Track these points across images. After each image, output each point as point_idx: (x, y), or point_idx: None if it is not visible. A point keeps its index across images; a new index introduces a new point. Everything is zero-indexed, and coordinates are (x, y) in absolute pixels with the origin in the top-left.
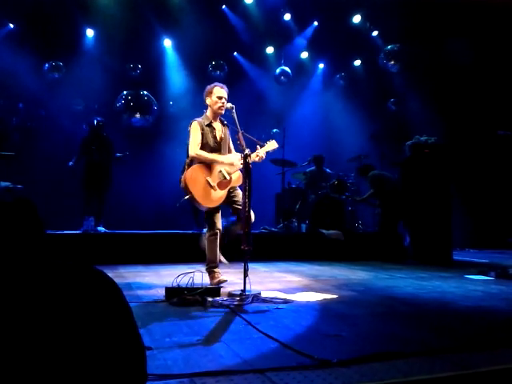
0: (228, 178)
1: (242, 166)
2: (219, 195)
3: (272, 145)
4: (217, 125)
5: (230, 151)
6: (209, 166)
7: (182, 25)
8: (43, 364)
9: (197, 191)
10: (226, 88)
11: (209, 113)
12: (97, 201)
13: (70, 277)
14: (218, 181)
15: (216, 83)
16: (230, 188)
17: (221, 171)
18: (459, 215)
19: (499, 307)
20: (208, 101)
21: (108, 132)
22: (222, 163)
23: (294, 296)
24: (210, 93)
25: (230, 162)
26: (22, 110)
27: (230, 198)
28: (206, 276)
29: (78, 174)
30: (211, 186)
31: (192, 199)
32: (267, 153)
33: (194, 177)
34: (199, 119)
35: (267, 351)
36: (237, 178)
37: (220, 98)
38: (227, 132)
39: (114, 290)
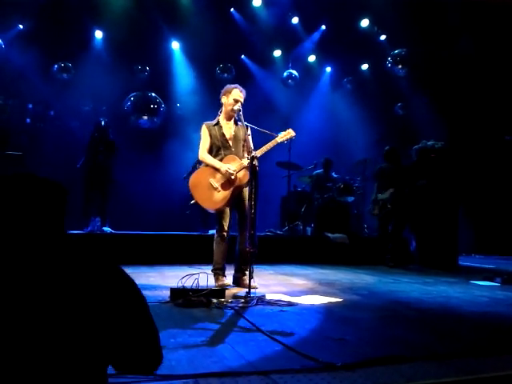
0: (233, 177)
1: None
2: (223, 196)
3: (288, 133)
4: (227, 124)
5: (249, 151)
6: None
7: (190, 27)
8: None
9: (199, 194)
10: (245, 93)
11: (222, 112)
12: (100, 201)
13: (93, 270)
14: (222, 181)
15: (237, 85)
16: (237, 188)
17: (226, 171)
18: (465, 220)
19: (505, 313)
20: (224, 99)
21: (115, 133)
22: (220, 168)
23: (299, 299)
24: (229, 93)
25: (233, 164)
26: (31, 110)
27: (237, 201)
28: (211, 277)
29: (82, 173)
30: (214, 188)
31: (197, 202)
32: (284, 143)
33: (196, 180)
34: (209, 122)
35: (271, 353)
36: (242, 175)
37: (236, 101)
38: (242, 132)
39: (130, 284)
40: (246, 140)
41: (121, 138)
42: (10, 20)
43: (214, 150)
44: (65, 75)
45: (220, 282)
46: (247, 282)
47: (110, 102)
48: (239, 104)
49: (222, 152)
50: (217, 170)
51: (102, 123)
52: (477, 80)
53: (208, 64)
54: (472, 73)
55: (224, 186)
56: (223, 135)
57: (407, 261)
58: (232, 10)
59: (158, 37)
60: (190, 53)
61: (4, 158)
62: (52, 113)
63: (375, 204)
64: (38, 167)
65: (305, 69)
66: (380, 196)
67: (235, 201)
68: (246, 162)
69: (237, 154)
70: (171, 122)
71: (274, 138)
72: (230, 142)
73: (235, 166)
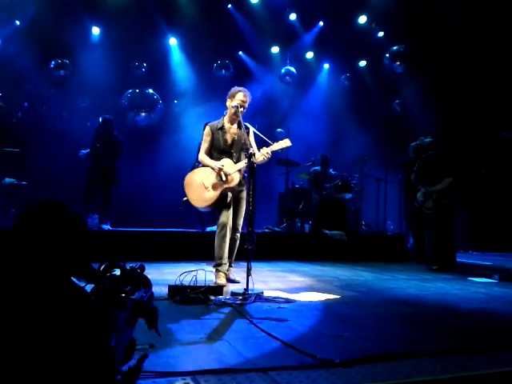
0: (224, 178)
1: (240, 166)
2: (211, 195)
3: (284, 143)
4: (231, 127)
5: (247, 149)
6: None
7: (187, 23)
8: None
9: (190, 193)
10: (249, 94)
11: (227, 115)
12: (102, 200)
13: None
14: (214, 182)
15: (242, 89)
16: (227, 190)
17: (219, 168)
18: (462, 217)
19: (502, 310)
20: (228, 103)
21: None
22: (214, 167)
23: (297, 296)
24: (233, 96)
25: (228, 166)
26: (28, 107)
27: (235, 198)
28: (209, 274)
29: (81, 170)
30: (205, 187)
31: (188, 200)
32: (278, 151)
33: (190, 180)
34: (213, 123)
35: (270, 350)
36: (233, 178)
37: (240, 103)
38: (243, 135)
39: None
40: (245, 140)
41: (118, 134)
42: (7, 16)
43: (214, 154)
44: (62, 72)
45: (217, 280)
46: (230, 275)
47: (107, 99)
48: (241, 107)
49: (224, 157)
50: (212, 169)
51: (106, 121)
52: (474, 77)
53: (205, 60)
54: (470, 70)
55: (214, 187)
56: (226, 141)
57: (405, 257)
58: (229, 6)
59: (156, 33)
60: (188, 49)
61: (1, 155)
62: (49, 109)
63: (428, 197)
64: (34, 164)
65: (302, 65)
66: (436, 187)
67: (234, 199)
68: (241, 164)
69: (238, 159)
70: (168, 119)
71: (269, 144)
72: (232, 148)
73: (230, 167)
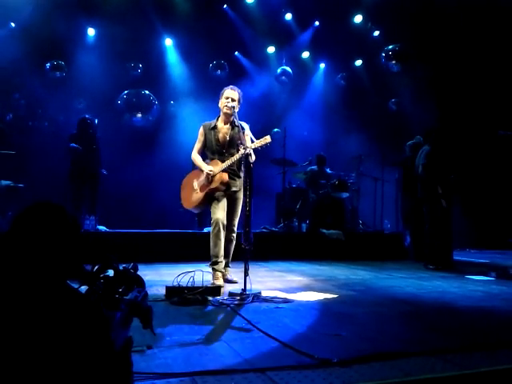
0: (209, 180)
1: (224, 166)
2: (198, 196)
3: (262, 140)
4: (223, 127)
5: (243, 148)
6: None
7: (183, 24)
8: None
9: (183, 194)
10: (239, 90)
11: (220, 115)
12: (91, 200)
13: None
14: (202, 183)
15: (229, 86)
16: (214, 190)
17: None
18: (460, 215)
19: (499, 307)
20: (219, 103)
21: (110, 131)
22: (204, 169)
23: (295, 295)
24: (222, 95)
25: (215, 167)
26: (24, 108)
27: (231, 199)
28: (207, 275)
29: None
30: (194, 189)
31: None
32: (262, 148)
33: (185, 182)
34: (207, 122)
35: (268, 350)
36: (216, 178)
37: (227, 98)
38: (237, 135)
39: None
40: (240, 139)
41: (115, 135)
42: (2, 18)
43: (208, 154)
44: (58, 73)
45: (214, 280)
46: (227, 276)
47: (103, 100)
48: (230, 99)
49: (217, 156)
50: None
51: (88, 120)
52: (471, 75)
53: (201, 61)
54: (466, 68)
55: (201, 188)
56: (218, 140)
57: (402, 256)
58: (225, 6)
59: (151, 34)
60: (183, 50)
61: None
62: (45, 111)
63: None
64: (31, 166)
65: (298, 65)
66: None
67: (229, 200)
68: (225, 164)
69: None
70: (165, 120)
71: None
72: (225, 147)
73: (216, 168)
